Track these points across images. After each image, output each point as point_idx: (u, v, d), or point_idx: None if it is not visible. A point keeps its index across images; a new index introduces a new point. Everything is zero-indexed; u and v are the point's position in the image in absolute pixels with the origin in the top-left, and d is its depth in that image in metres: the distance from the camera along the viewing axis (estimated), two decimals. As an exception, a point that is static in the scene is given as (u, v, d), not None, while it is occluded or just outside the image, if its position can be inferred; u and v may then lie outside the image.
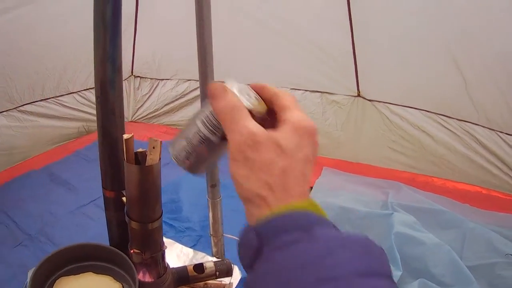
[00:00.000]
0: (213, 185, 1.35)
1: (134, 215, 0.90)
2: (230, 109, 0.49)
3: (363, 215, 2.40)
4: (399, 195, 2.60)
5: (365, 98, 3.02)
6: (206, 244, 2.24)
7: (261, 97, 0.54)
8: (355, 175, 2.95)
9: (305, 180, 0.48)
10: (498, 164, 2.65)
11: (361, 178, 2.90)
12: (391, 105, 2.93)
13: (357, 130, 3.10)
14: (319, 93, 3.16)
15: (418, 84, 2.76)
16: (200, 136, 0.55)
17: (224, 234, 1.46)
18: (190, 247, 2.01)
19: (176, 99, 3.67)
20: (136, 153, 0.86)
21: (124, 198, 0.93)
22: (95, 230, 2.37)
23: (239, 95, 0.51)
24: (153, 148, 0.84)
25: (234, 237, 1.45)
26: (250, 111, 0.50)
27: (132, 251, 0.95)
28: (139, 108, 3.82)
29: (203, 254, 1.97)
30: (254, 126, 0.47)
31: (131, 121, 3.82)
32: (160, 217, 0.90)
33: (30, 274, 1.96)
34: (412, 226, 2.22)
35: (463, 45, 2.46)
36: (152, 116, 3.81)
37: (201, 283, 1.28)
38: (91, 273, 1.02)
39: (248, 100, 0.51)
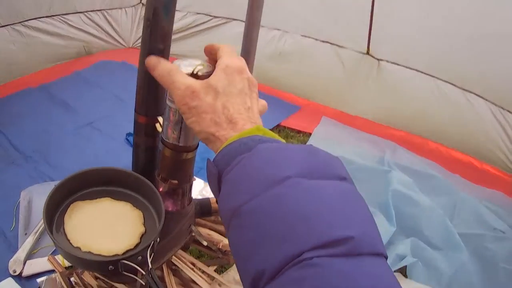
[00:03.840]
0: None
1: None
2: (166, 73, 0.58)
3: (361, 168, 2.42)
4: (395, 155, 2.61)
5: (373, 57, 2.97)
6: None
7: (211, 55, 0.63)
8: (353, 129, 2.94)
9: (249, 110, 0.54)
10: (498, 140, 2.66)
11: (358, 132, 2.90)
12: (399, 66, 2.89)
13: (361, 86, 3.07)
14: (329, 45, 3.09)
15: (432, 51, 2.71)
16: (170, 108, 0.70)
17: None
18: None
19: (182, 31, 3.53)
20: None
21: (157, 125, 0.88)
22: (92, 152, 2.34)
23: (178, 63, 0.62)
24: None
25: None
26: (192, 74, 0.59)
27: (160, 178, 0.92)
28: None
29: None
30: (189, 80, 0.56)
31: (131, 47, 3.71)
32: (196, 148, 0.86)
33: (22, 194, 1.95)
34: (409, 186, 2.25)
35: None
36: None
37: (212, 216, 1.27)
38: (109, 198, 0.98)
39: (187, 65, 0.61)
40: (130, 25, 3.67)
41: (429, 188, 2.30)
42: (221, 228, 1.27)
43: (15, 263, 1.59)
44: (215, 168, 0.49)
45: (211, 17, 3.44)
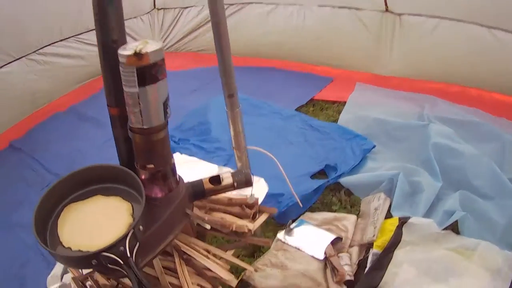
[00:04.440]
0: (230, 95, 1.25)
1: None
2: None
3: (399, 126, 2.27)
4: (434, 109, 2.42)
5: (393, 13, 2.79)
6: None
7: None
8: (389, 89, 2.78)
9: None
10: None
11: (394, 92, 2.73)
12: (420, 17, 2.70)
13: (387, 44, 2.90)
14: (347, 9, 2.95)
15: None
16: (126, 93, 0.74)
17: (247, 147, 1.37)
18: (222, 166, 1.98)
19: (202, 25, 3.52)
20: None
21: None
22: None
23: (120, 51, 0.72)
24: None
25: (258, 148, 1.36)
26: (135, 54, 0.70)
27: (138, 166, 0.88)
28: (165, 39, 3.71)
29: (228, 168, 1.91)
30: None
31: None
32: (165, 128, 0.80)
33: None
34: (450, 137, 2.07)
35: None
36: (179, 45, 3.70)
37: (225, 199, 1.22)
38: (99, 196, 0.97)
39: (129, 49, 0.72)
40: (150, 32, 3.69)
41: (473, 136, 2.10)
42: (236, 210, 1.21)
43: (52, 279, 1.61)
44: None
45: (227, 5, 3.36)
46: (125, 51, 0.62)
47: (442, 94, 2.59)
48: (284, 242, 1.58)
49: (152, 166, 0.86)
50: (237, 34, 3.34)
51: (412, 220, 1.58)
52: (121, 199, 0.95)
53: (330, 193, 1.90)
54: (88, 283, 1.09)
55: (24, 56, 2.82)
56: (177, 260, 1.08)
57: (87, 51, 3.17)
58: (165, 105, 0.76)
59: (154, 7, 3.70)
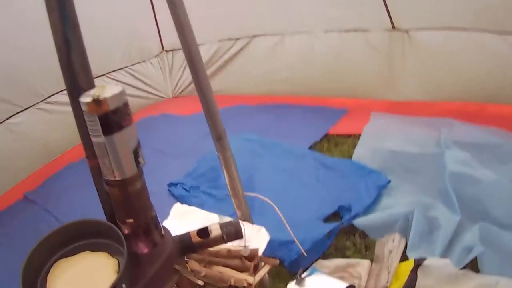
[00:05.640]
0: (218, 138, 1.23)
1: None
2: None
3: (414, 157, 2.20)
4: (452, 132, 2.33)
5: (400, 29, 2.74)
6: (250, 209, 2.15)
7: None
8: (404, 116, 2.70)
9: None
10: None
11: (410, 118, 2.65)
12: (429, 30, 2.63)
13: (400, 65, 2.83)
14: (353, 32, 2.91)
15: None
16: (95, 145, 0.72)
17: (245, 193, 1.33)
18: (230, 215, 1.93)
19: (212, 64, 3.50)
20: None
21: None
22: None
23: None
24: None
25: (256, 194, 1.33)
26: (94, 101, 0.66)
27: (120, 221, 0.87)
28: (178, 81, 3.74)
29: (230, 218, 1.87)
30: None
31: (173, 97, 3.72)
32: (140, 178, 0.79)
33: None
34: (467, 163, 1.98)
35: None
36: (193, 87, 3.71)
37: (225, 251, 1.19)
38: (87, 251, 0.96)
39: (87, 96, 0.68)
40: (162, 75, 3.72)
41: (493, 158, 2.01)
42: (235, 263, 1.17)
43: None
44: None
45: (233, 40, 3.40)
46: (85, 98, 0.61)
47: (459, 115, 2.51)
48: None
49: (131, 220, 0.84)
50: (248, 73, 3.42)
51: (428, 262, 1.50)
52: (108, 255, 0.93)
53: (345, 237, 1.82)
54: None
55: (32, 106, 2.86)
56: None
57: (97, 97, 3.24)
58: (136, 153, 0.74)
59: (163, 49, 3.74)
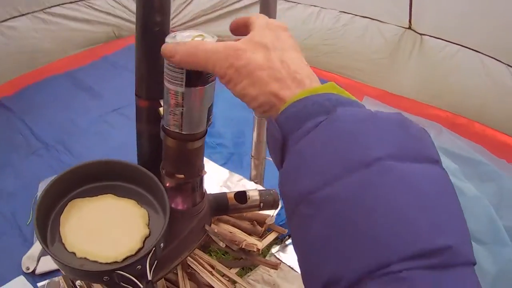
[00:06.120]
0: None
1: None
2: (193, 48, 0.47)
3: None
4: (439, 138, 2.40)
5: (416, 32, 2.75)
6: (238, 163, 2.11)
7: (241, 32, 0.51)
8: (396, 109, 2.72)
9: (307, 66, 0.44)
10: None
11: (401, 112, 2.67)
12: (443, 41, 2.66)
13: (403, 62, 2.86)
14: (369, 19, 2.90)
15: (478, 23, 2.45)
16: (168, 90, 0.59)
17: (266, 158, 1.28)
18: (220, 165, 1.87)
19: (215, 10, 3.38)
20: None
21: (161, 109, 0.74)
22: (117, 140, 2.23)
23: (174, 35, 0.54)
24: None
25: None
26: None
27: (164, 172, 0.78)
28: (174, 17, 3.55)
29: (240, 176, 1.81)
30: (225, 43, 0.44)
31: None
32: (204, 136, 0.71)
33: (40, 185, 1.87)
34: (454, 173, 2.03)
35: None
36: (188, 26, 3.54)
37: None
38: (111, 195, 0.86)
39: (186, 37, 0.53)
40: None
41: (475, 175, 2.07)
42: (246, 225, 1.13)
43: (28, 260, 1.50)
44: (279, 132, 0.39)
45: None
46: (181, 39, 0.51)
47: (447, 124, 2.57)
48: (278, 259, 1.51)
49: (182, 176, 0.76)
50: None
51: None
52: (136, 203, 0.84)
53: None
54: (78, 282, 1.00)
55: (30, 12, 2.70)
56: (180, 273, 0.99)
57: (95, 17, 3.08)
58: (209, 111, 0.65)
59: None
